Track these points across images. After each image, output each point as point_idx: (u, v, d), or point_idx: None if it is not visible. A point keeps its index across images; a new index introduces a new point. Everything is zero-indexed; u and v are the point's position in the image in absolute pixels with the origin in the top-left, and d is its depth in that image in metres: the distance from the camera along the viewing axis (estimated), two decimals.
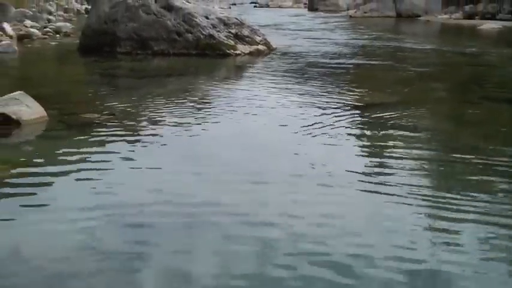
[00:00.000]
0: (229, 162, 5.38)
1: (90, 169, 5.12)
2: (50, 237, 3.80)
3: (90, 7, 18.43)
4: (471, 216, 4.15)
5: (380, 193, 4.60)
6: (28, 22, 17.60)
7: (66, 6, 26.65)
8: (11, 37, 15.10)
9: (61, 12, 24.55)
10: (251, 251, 3.58)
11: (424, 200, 4.47)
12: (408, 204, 4.36)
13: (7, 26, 15.72)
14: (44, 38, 16.43)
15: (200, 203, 4.37)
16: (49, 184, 4.77)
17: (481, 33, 20.15)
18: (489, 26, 21.27)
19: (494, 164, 5.36)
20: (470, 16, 24.97)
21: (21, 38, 15.64)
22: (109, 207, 4.28)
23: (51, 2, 25.31)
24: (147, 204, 4.34)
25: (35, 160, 5.35)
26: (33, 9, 20.60)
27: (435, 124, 7.09)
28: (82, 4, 28.82)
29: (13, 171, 5.03)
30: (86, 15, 17.74)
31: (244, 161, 5.43)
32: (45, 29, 17.50)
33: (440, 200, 4.47)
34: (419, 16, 27.60)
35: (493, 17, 24.01)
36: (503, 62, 13.17)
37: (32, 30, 16.63)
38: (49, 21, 19.78)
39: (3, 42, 13.79)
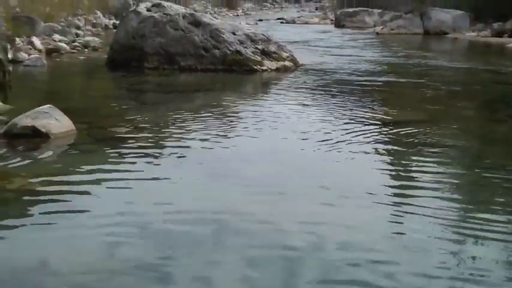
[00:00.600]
0: (253, 177, 5.40)
1: (118, 182, 5.16)
2: (78, 250, 3.81)
3: (118, 22, 18.57)
4: (499, 236, 4.09)
5: (405, 211, 4.57)
6: (57, 36, 17.74)
7: (95, 21, 26.88)
8: (39, 51, 15.24)
9: (89, 27, 24.76)
10: (277, 266, 3.58)
11: (449, 219, 4.43)
12: (433, 223, 4.31)
13: (36, 40, 15.88)
14: (73, 52, 16.57)
15: (226, 215, 4.40)
16: (77, 197, 4.80)
17: (510, 51, 20.00)
18: None
19: None
20: (498, 34, 24.74)
21: (50, 52, 15.78)
22: (135, 219, 4.31)
23: (79, 17, 25.57)
24: (173, 217, 4.36)
25: (63, 173, 5.39)
26: (62, 24, 20.80)
27: (463, 142, 7.02)
28: (110, 19, 29.06)
29: (42, 184, 5.08)
30: (114, 30, 17.88)
31: (268, 176, 5.44)
32: (73, 43, 17.65)
33: (466, 219, 4.42)
34: (447, 33, 27.43)
35: None
36: None
37: (60, 44, 16.78)
38: (77, 35, 19.94)
39: (32, 56, 13.93)
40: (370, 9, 35.78)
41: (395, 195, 4.97)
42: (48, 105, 6.93)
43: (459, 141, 7.01)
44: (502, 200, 4.89)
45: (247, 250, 3.83)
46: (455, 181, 5.44)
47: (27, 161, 5.74)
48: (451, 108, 9.21)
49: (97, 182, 5.17)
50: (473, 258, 3.75)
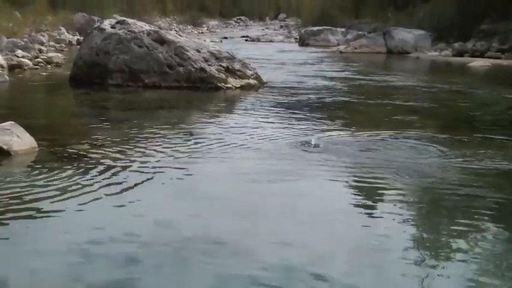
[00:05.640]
0: (219, 197, 5.40)
1: (79, 201, 5.13)
2: (37, 270, 3.78)
3: (82, 38, 18.47)
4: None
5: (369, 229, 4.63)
6: (20, 52, 17.59)
7: (58, 37, 26.72)
8: (2, 67, 15.08)
9: (53, 43, 24.61)
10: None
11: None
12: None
13: None
14: (36, 68, 16.43)
15: (191, 237, 4.40)
16: (37, 215, 4.76)
17: (471, 71, 20.35)
18: (478, 63, 21.48)
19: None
20: (459, 53, 25.19)
21: (13, 68, 15.62)
22: (95, 241, 4.28)
23: (43, 33, 25.39)
24: (136, 239, 4.35)
25: (23, 191, 5.33)
26: (25, 40, 20.62)
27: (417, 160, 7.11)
28: (74, 35, 28.89)
29: (1, 201, 5.02)
30: (78, 47, 17.80)
31: (234, 197, 5.45)
32: (36, 59, 17.51)
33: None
34: (409, 53, 27.80)
35: (481, 54, 24.24)
36: (493, 100, 13.24)
37: (23, 60, 16.62)
38: (40, 51, 19.79)
39: None
40: (334, 28, 36.12)
41: (360, 214, 5.06)
42: (10, 122, 6.87)
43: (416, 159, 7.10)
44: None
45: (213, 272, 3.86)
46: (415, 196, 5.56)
47: None
48: (415, 126, 9.29)
49: (58, 200, 5.13)
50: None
